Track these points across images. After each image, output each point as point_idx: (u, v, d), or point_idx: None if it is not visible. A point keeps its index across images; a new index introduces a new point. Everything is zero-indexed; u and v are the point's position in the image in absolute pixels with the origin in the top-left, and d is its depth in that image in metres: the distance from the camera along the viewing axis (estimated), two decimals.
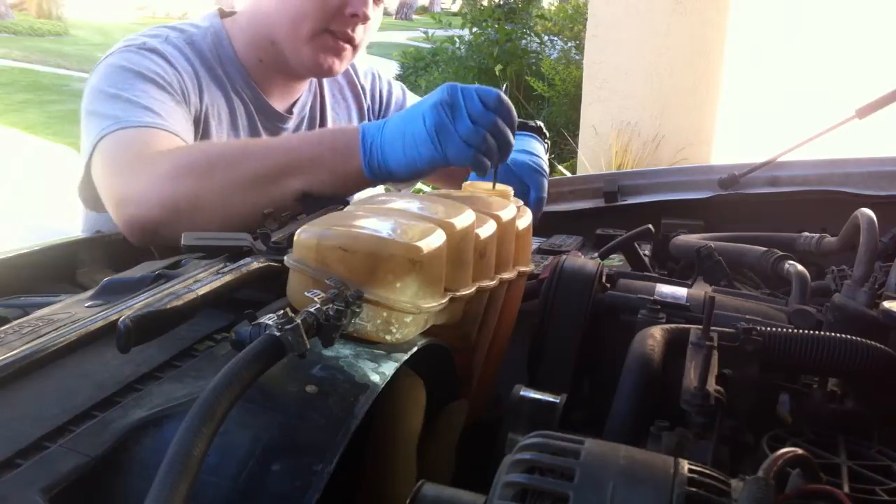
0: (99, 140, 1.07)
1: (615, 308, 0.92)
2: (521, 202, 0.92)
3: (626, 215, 1.53)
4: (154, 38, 1.23)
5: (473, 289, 0.73)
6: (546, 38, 7.55)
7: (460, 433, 0.73)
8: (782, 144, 1.55)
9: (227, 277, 0.67)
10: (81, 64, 11.16)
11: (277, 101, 1.37)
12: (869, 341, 0.72)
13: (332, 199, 0.96)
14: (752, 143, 3.78)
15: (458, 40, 8.35)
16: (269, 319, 0.52)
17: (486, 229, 0.75)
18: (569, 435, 0.48)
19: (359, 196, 1.05)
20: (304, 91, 1.42)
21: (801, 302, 0.94)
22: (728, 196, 1.56)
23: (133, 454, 0.50)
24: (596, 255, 1.26)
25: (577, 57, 6.62)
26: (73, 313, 0.63)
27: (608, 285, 0.96)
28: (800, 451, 0.49)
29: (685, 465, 0.45)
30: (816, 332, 0.74)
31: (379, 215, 0.69)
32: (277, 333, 0.51)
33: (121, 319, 0.55)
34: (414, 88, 1.66)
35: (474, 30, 7.97)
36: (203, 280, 0.66)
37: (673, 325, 0.79)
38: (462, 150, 0.91)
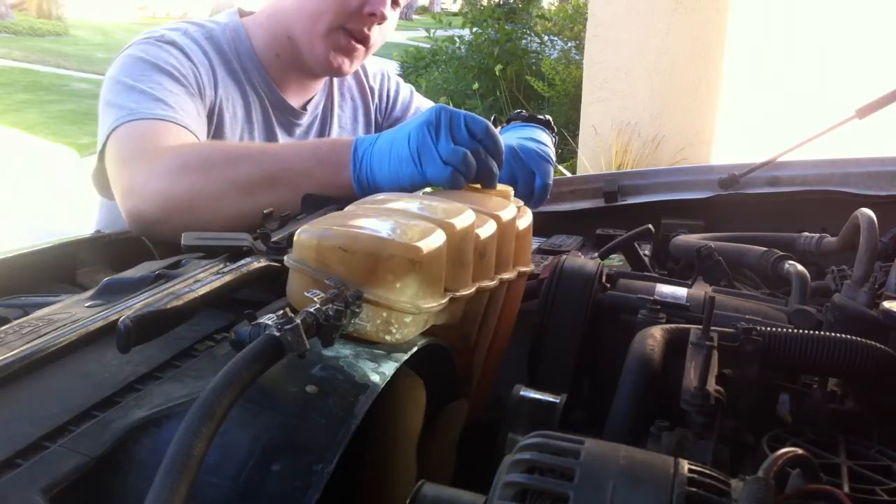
0: (112, 130, 1.10)
1: (615, 308, 0.92)
2: (521, 202, 0.92)
3: (626, 215, 1.53)
4: (173, 31, 1.26)
5: (473, 289, 0.73)
6: (546, 38, 7.54)
7: (460, 433, 0.73)
8: (782, 144, 1.55)
9: (227, 277, 0.67)
10: (81, 64, 11.17)
11: (293, 97, 1.39)
12: (869, 341, 0.72)
13: (332, 199, 0.97)
14: (752, 143, 3.78)
15: (458, 40, 8.35)
16: (268, 319, 0.52)
17: (486, 229, 0.75)
18: (569, 435, 0.48)
19: None
20: (318, 90, 1.44)
21: (801, 302, 0.94)
22: (728, 196, 1.56)
23: (133, 454, 0.50)
24: (596, 255, 1.26)
25: (577, 57, 6.62)
26: (73, 313, 0.63)
27: (608, 285, 0.96)
28: (800, 451, 0.48)
29: (685, 465, 0.45)
30: (816, 332, 0.74)
31: (379, 215, 0.69)
32: (277, 333, 0.50)
33: (121, 319, 0.55)
34: (414, 88, 1.67)
35: (474, 30, 7.97)
36: (203, 280, 0.66)
37: (673, 325, 0.79)
38: (441, 169, 0.90)
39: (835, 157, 1.58)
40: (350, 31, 1.27)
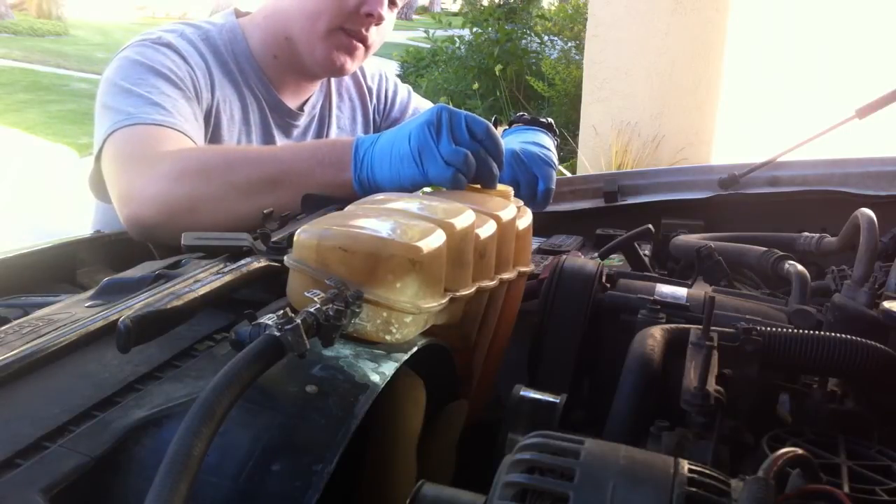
0: (109, 134, 1.10)
1: (615, 308, 0.92)
2: (521, 202, 0.92)
3: (626, 215, 1.53)
4: (170, 33, 1.25)
5: (473, 289, 0.73)
6: (546, 38, 7.54)
7: (460, 433, 0.73)
8: (782, 144, 1.55)
9: (228, 277, 0.67)
10: (81, 64, 11.17)
11: (290, 98, 1.38)
12: (869, 341, 0.72)
13: (332, 199, 0.97)
14: (752, 143, 3.78)
15: (458, 40, 8.35)
16: (268, 319, 0.52)
17: (486, 229, 0.75)
18: (569, 435, 0.48)
19: None
20: (315, 91, 1.44)
21: (801, 302, 0.94)
22: (728, 196, 1.56)
23: (133, 454, 0.50)
24: (596, 255, 1.26)
25: (577, 57, 6.62)
26: (73, 313, 0.63)
27: (608, 285, 0.96)
28: (800, 451, 0.48)
29: (685, 465, 0.45)
30: (816, 332, 0.74)
31: (379, 215, 0.69)
32: (277, 333, 0.50)
33: (121, 319, 0.55)
34: (414, 88, 1.67)
35: (474, 30, 7.98)
36: (203, 280, 0.66)
37: (673, 325, 0.79)
38: (442, 170, 0.90)
39: (835, 157, 1.58)
40: (348, 32, 1.27)
